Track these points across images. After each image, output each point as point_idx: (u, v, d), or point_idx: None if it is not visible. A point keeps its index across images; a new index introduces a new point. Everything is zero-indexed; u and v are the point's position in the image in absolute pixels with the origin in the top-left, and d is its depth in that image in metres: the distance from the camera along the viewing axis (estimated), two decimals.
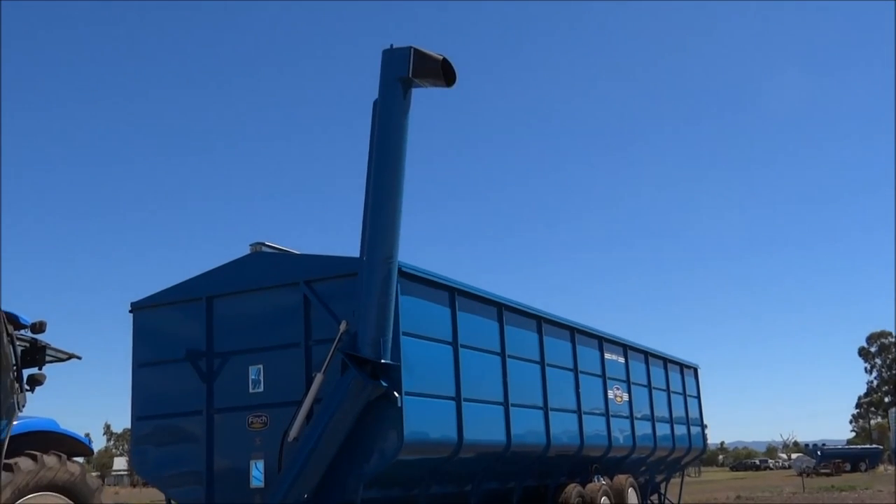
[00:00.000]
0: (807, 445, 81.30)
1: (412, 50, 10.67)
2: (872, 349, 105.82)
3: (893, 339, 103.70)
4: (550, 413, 14.64)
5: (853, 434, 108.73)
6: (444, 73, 10.75)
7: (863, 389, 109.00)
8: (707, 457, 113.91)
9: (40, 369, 8.63)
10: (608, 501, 16.29)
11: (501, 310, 13.69)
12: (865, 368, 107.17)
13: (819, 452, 68.39)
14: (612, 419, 17.35)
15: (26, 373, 8.36)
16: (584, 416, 16.00)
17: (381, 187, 10.76)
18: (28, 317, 8.43)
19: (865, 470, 65.69)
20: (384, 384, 10.59)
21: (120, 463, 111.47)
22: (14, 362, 7.95)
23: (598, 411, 16.88)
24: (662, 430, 20.49)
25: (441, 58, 10.72)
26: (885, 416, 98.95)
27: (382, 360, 10.48)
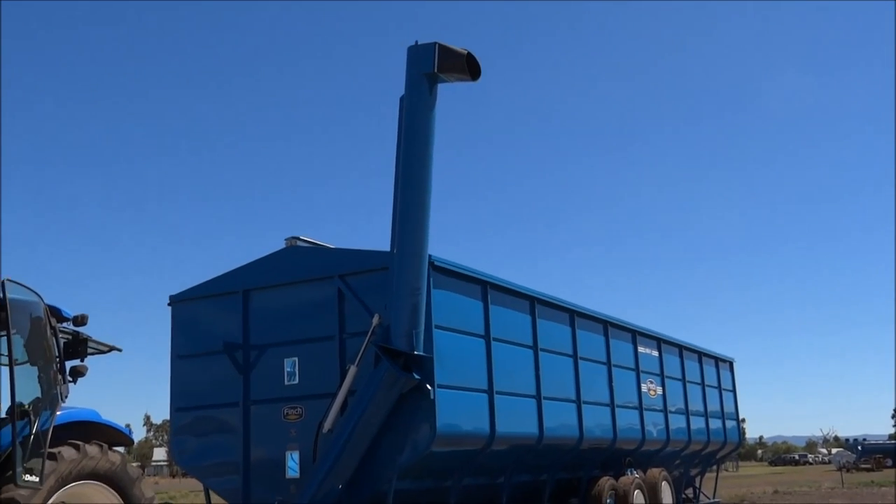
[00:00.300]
0: (847, 440, 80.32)
1: (437, 46, 10.78)
2: None
3: None
4: (583, 406, 14.67)
5: (894, 429, 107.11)
6: (468, 68, 10.86)
7: None
8: (745, 451, 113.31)
9: (82, 361, 8.81)
10: (641, 495, 16.29)
11: (534, 303, 13.75)
12: None
13: (860, 447, 67.48)
14: (645, 413, 17.33)
15: (69, 365, 8.55)
16: (617, 410, 16.01)
17: (410, 182, 10.89)
18: (70, 310, 8.63)
19: None
20: (417, 377, 10.72)
21: (159, 453, 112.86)
22: (57, 354, 8.15)
23: (631, 405, 16.88)
24: (697, 423, 20.41)
25: (465, 52, 10.83)
26: None
27: (415, 352, 10.61)
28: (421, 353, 10.69)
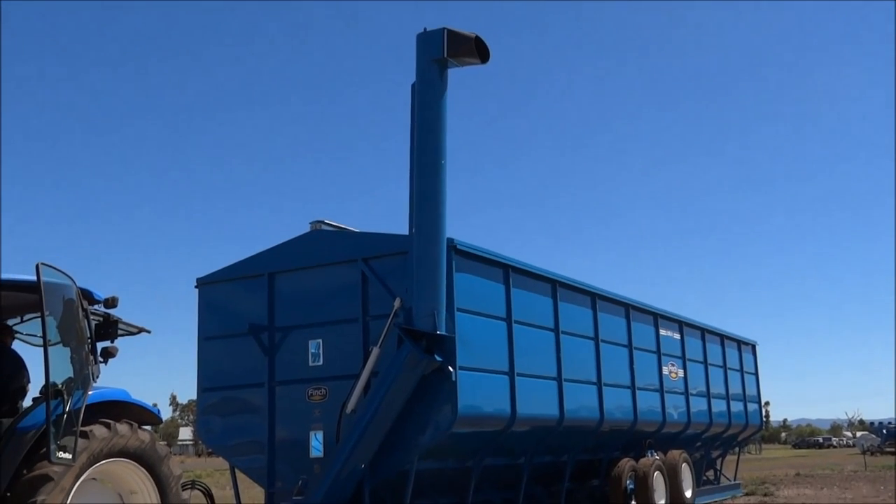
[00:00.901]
0: (872, 423, 79.77)
1: (445, 31, 10.93)
2: None
3: None
4: (604, 388, 14.79)
5: None
6: (477, 51, 10.97)
7: None
8: (770, 434, 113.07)
9: (113, 342, 8.97)
10: (661, 476, 16.40)
11: (556, 286, 13.86)
12: None
13: (885, 431, 67.01)
14: (666, 395, 17.42)
15: (100, 346, 8.73)
16: (638, 392, 16.11)
17: (424, 166, 11.03)
18: (101, 292, 8.81)
19: None
20: (439, 359, 10.87)
21: (185, 433, 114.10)
22: (89, 336, 8.31)
23: (652, 387, 16.97)
24: (718, 406, 20.48)
25: (474, 36, 10.96)
26: None
27: (437, 332, 10.76)
28: (443, 333, 10.84)
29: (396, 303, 11.08)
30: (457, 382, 10.94)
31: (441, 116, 11.04)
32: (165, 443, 8.87)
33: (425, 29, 11.11)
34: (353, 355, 11.54)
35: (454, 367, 10.95)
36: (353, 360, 11.48)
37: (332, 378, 11.72)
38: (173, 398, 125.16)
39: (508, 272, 12.58)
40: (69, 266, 8.00)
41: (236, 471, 12.85)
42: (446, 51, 10.89)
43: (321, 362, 11.91)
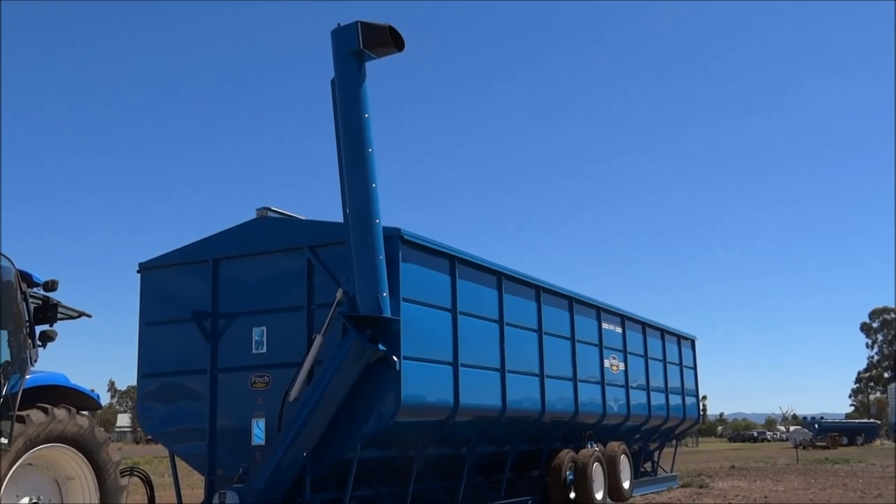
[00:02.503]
0: (805, 419, 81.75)
1: (359, 23, 11.00)
2: (874, 325, 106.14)
3: (895, 315, 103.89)
4: (546, 380, 14.93)
5: (852, 409, 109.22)
6: (392, 40, 11.05)
7: (863, 364, 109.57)
8: (706, 428, 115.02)
9: (52, 326, 8.87)
10: (600, 467, 16.64)
11: (501, 278, 13.94)
12: (867, 344, 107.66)
13: (816, 426, 68.68)
14: (607, 388, 17.66)
15: (39, 329, 8.61)
16: (579, 384, 16.30)
17: (352, 158, 11.06)
18: (41, 275, 8.69)
19: (862, 444, 66.06)
20: (383, 348, 10.90)
21: (123, 419, 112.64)
22: (27, 319, 8.21)
23: (593, 380, 17.19)
24: (657, 399, 20.83)
25: (387, 26, 11.04)
26: (884, 391, 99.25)
27: (384, 315, 10.78)
28: (389, 316, 10.87)
29: (339, 294, 11.09)
30: (401, 372, 10.98)
31: (363, 107, 11.09)
32: (103, 429, 8.77)
33: (339, 24, 11.16)
34: (297, 343, 11.50)
35: (398, 357, 10.98)
36: (298, 348, 11.44)
37: (275, 366, 11.66)
38: (112, 384, 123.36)
39: (454, 263, 12.63)
40: (7, 248, 7.88)
41: (176, 458, 12.73)
42: (362, 42, 10.97)
43: (265, 350, 11.85)
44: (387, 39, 11.02)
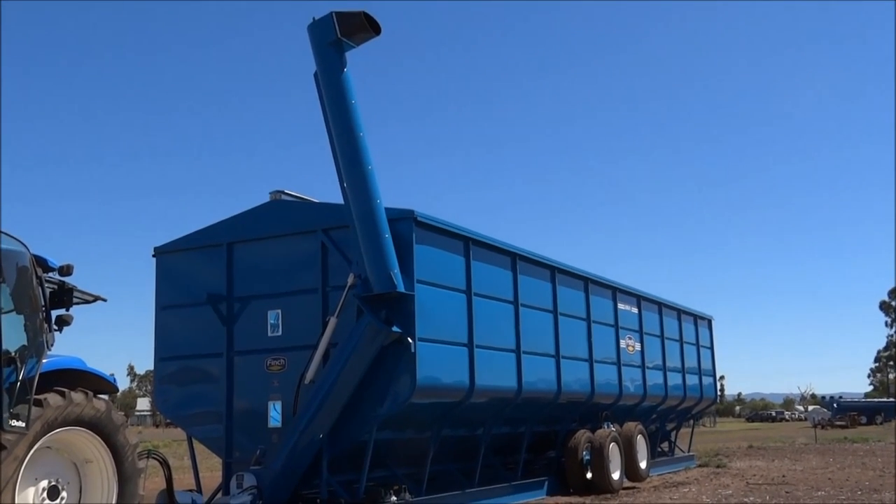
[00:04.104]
0: (823, 398, 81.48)
1: (333, 14, 11.04)
2: (894, 303, 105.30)
3: None
4: (562, 361, 14.92)
5: (871, 388, 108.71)
6: (369, 25, 11.06)
7: (882, 343, 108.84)
8: (724, 408, 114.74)
9: (68, 310, 8.89)
10: (617, 447, 16.64)
11: (515, 259, 13.91)
12: (886, 322, 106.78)
13: (835, 405, 68.59)
14: (623, 368, 17.63)
15: (54, 314, 8.64)
16: (595, 365, 16.28)
17: (345, 146, 11.07)
18: (56, 260, 8.71)
19: (881, 423, 65.85)
20: (398, 330, 10.90)
21: (143, 403, 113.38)
22: (43, 303, 8.23)
23: (609, 360, 17.16)
24: (674, 379, 20.77)
25: (361, 12, 11.08)
26: None
27: (398, 290, 10.78)
28: (404, 291, 10.87)
29: (350, 280, 11.10)
30: (416, 354, 10.98)
31: (349, 94, 11.11)
32: (122, 413, 8.82)
33: (314, 18, 11.15)
34: (312, 326, 11.52)
35: (413, 339, 10.98)
36: (313, 330, 11.45)
37: (291, 348, 11.69)
38: (131, 368, 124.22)
39: (469, 244, 12.60)
40: (23, 233, 7.90)
41: (194, 441, 12.81)
42: (339, 32, 10.99)
43: (280, 333, 11.89)
44: (363, 25, 11.09)
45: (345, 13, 11.03)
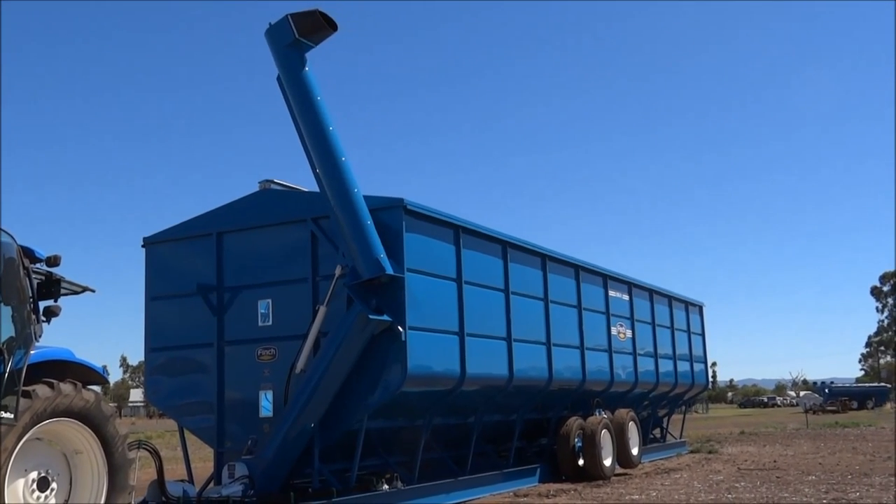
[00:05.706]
0: (815, 384, 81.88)
1: (288, 16, 11.07)
2: (884, 288, 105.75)
3: None
4: (553, 348, 14.93)
5: (862, 373, 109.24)
6: (325, 22, 11.10)
7: (873, 329, 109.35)
8: (716, 394, 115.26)
9: (56, 301, 8.86)
10: (608, 434, 16.68)
11: (506, 247, 13.91)
12: (877, 308, 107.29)
13: (826, 390, 68.87)
14: (614, 355, 17.66)
15: (42, 305, 8.61)
16: (586, 352, 16.31)
17: (316, 143, 11.10)
18: (43, 251, 8.67)
19: (872, 408, 66.24)
20: (388, 318, 10.89)
21: (136, 394, 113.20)
22: (31, 294, 8.20)
23: (600, 347, 17.19)
24: (665, 366, 20.82)
25: (316, 10, 11.14)
26: (894, 355, 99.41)
27: (388, 272, 10.78)
28: (393, 273, 10.87)
29: (337, 271, 11.10)
30: (406, 342, 10.98)
31: (314, 91, 11.17)
32: (115, 405, 8.80)
33: (270, 24, 11.18)
34: (303, 315, 11.50)
35: (404, 327, 10.98)
36: (303, 320, 11.44)
37: (281, 338, 11.68)
38: (123, 359, 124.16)
39: (459, 232, 12.59)
40: (9, 224, 7.86)
41: (185, 431, 12.80)
42: (296, 33, 11.02)
43: (270, 322, 11.87)
44: (319, 23, 11.13)
45: (300, 14, 11.10)
